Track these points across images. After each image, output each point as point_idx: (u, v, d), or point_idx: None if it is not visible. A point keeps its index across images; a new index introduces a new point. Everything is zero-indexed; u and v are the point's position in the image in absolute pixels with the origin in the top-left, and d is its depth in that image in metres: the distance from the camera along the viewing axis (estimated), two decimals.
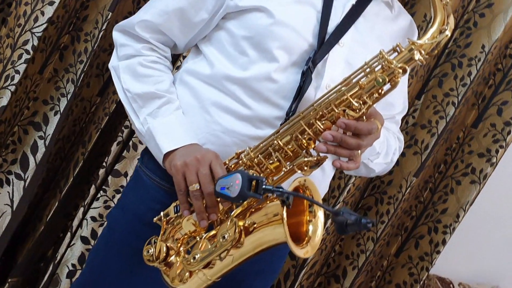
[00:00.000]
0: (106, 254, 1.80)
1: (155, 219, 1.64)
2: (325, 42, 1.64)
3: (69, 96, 2.40)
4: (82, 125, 2.59)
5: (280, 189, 1.39)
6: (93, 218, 2.51)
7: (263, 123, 1.64)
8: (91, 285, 1.83)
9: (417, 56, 1.46)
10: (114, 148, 2.49)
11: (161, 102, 1.68)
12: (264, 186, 1.41)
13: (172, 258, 1.61)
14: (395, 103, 1.85)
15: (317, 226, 1.53)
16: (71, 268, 2.52)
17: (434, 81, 2.59)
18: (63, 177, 2.56)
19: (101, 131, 2.50)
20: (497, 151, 2.59)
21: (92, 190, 2.53)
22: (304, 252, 1.48)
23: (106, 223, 1.90)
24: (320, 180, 1.77)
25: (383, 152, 1.80)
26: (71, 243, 2.53)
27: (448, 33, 1.48)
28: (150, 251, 1.61)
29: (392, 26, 1.76)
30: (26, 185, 2.42)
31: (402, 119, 2.41)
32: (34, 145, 2.41)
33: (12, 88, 2.26)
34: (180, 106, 1.71)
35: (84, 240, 2.51)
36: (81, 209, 2.54)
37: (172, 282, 1.61)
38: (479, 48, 2.50)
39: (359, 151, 1.54)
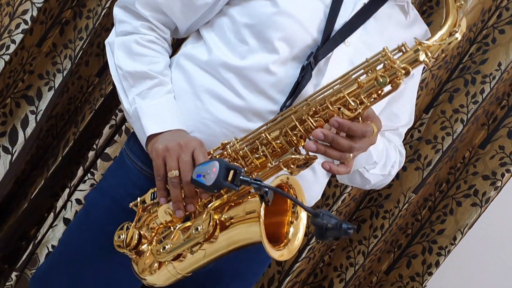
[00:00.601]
0: (80, 236, 1.75)
1: (131, 204, 1.58)
2: (330, 39, 1.57)
3: (65, 72, 2.34)
4: (77, 104, 2.54)
5: (258, 182, 1.31)
6: (78, 201, 2.43)
7: (255, 116, 1.58)
8: (61, 266, 1.77)
9: (422, 57, 1.37)
10: (106, 131, 2.42)
11: (152, 83, 1.63)
12: (241, 177, 1.33)
13: (144, 247, 1.54)
14: (400, 114, 1.78)
15: (299, 228, 1.46)
16: (50, 249, 2.45)
17: (444, 96, 2.51)
18: (53, 155, 2.51)
19: (95, 112, 2.43)
20: (503, 175, 2.51)
21: (80, 172, 2.46)
22: (279, 254, 1.41)
23: (84, 204, 1.85)
24: (311, 183, 1.70)
25: (381, 162, 1.73)
26: (54, 224, 2.46)
27: (458, 36, 1.40)
28: (121, 236, 1.55)
29: (404, 32, 1.68)
30: (13, 159, 2.37)
31: (407, 132, 2.34)
32: (25, 119, 2.36)
33: (7, 57, 2.20)
34: (173, 91, 1.65)
35: (67, 222, 2.44)
36: (67, 190, 2.47)
37: (140, 272, 1.54)
38: (495, 66, 2.42)
39: (351, 155, 1.45)
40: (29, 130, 2.34)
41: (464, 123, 2.45)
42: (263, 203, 1.35)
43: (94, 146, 2.45)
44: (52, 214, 2.48)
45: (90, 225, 1.73)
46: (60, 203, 2.47)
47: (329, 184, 2.46)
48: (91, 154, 2.44)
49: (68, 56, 2.34)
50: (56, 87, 2.35)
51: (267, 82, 1.57)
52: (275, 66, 1.57)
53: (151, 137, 1.59)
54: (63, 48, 2.35)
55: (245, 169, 1.48)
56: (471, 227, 2.55)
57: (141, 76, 1.63)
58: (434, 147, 2.49)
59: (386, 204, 2.58)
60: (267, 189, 1.32)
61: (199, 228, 1.44)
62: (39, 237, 2.48)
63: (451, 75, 2.52)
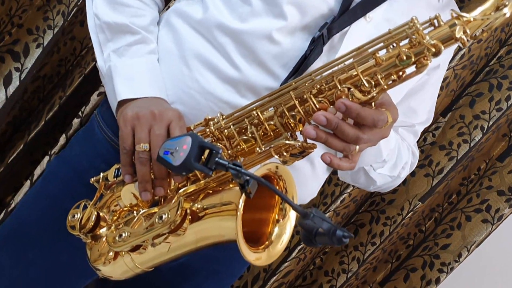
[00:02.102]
0: (33, 209, 1.55)
1: (92, 179, 1.36)
2: (349, 10, 1.34)
3: (56, 30, 2.16)
4: (68, 67, 2.37)
5: (237, 168, 1.07)
6: None
7: (250, 92, 1.35)
8: (6, 241, 1.57)
9: (459, 33, 1.11)
10: (94, 98, 2.26)
11: (133, 39, 1.41)
12: (217, 159, 1.10)
13: (102, 231, 1.33)
14: (419, 110, 1.56)
15: (284, 229, 1.23)
16: None
17: (465, 99, 2.34)
18: (36, 119, 2.36)
19: (84, 77, 2.27)
20: None
21: (62, 140, 2.31)
22: (255, 257, 1.19)
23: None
24: (307, 178, 1.48)
25: (391, 162, 1.51)
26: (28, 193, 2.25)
27: (507, 11, 1.12)
28: (76, 216, 1.33)
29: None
30: None
31: (420, 135, 2.19)
32: (8, 76, 2.18)
33: None
34: (157, 52, 1.43)
35: None
36: (47, 158, 2.33)
37: (93, 260, 1.33)
38: None
39: (357, 147, 1.21)
40: (11, 88, 2.18)
41: (484, 131, 2.29)
42: (243, 194, 1.13)
43: (80, 113, 2.29)
44: (28, 182, 2.35)
45: (46, 198, 1.53)
46: (38, 171, 2.34)
47: (329, 181, 2.32)
48: (75, 121, 2.29)
49: (61, 12, 2.16)
50: (45, 45, 2.17)
51: (268, 52, 1.34)
52: (280, 35, 1.34)
53: (122, 103, 1.38)
54: (57, 3, 2.17)
55: (229, 151, 1.25)
56: (479, 245, 2.39)
57: (121, 30, 1.41)
58: (448, 154, 2.34)
59: (389, 210, 2.42)
60: (248, 178, 1.08)
61: (163, 216, 1.21)
62: (12, 205, 2.35)
63: (476, 78, 2.35)
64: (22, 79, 2.16)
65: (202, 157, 1.12)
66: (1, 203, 2.48)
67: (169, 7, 1.86)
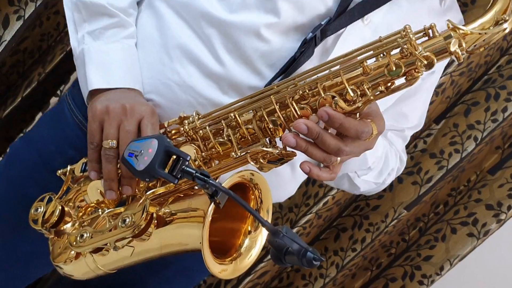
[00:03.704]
0: None
1: (59, 172, 1.29)
2: (346, 11, 1.25)
3: (38, 2, 2.05)
4: (50, 42, 2.27)
5: (205, 178, 0.99)
6: None
7: (233, 90, 1.27)
8: None
9: (454, 47, 1.04)
10: (74, 77, 2.17)
11: (110, 22, 1.31)
12: (184, 167, 1.02)
13: (67, 227, 1.25)
14: (410, 115, 1.49)
15: (255, 242, 1.17)
16: None
17: (460, 108, 2.28)
18: (13, 95, 2.27)
19: (66, 54, 2.18)
20: (509, 208, 2.29)
21: (38, 118, 2.26)
22: (220, 269, 1.12)
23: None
24: (286, 181, 1.42)
25: (376, 169, 1.45)
26: None
27: (507, 26, 1.06)
28: (39, 209, 1.25)
29: (436, 20, 1.34)
30: None
31: (410, 141, 2.14)
32: None
33: None
34: (135, 36, 1.35)
35: None
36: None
37: (54, 257, 1.25)
38: None
39: (339, 159, 1.14)
40: None
41: (477, 142, 2.24)
42: (213, 204, 1.05)
43: (59, 92, 2.23)
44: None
45: (7, 181, 1.45)
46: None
47: (312, 182, 2.26)
48: (53, 100, 2.23)
49: None
50: (26, 18, 2.06)
51: (256, 50, 1.26)
52: (271, 32, 1.25)
53: (94, 93, 1.29)
54: None
55: (203, 153, 1.17)
56: (462, 259, 2.34)
57: (97, 11, 1.31)
58: (438, 162, 2.28)
59: (373, 216, 2.36)
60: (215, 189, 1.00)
61: (127, 220, 1.13)
62: None
63: (473, 86, 2.30)
64: (0, 51, 2.06)
65: (168, 163, 1.04)
66: None
67: None
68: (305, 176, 1.48)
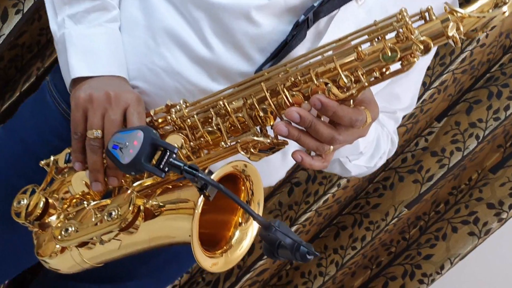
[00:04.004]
0: None
1: (42, 162, 1.23)
2: None
3: None
4: (49, 37, 2.22)
5: (194, 172, 0.95)
6: None
7: (222, 76, 1.22)
8: None
9: (451, 31, 0.99)
10: None
11: (92, 5, 1.25)
12: (171, 160, 0.97)
13: (52, 219, 1.20)
14: (402, 96, 1.45)
15: (246, 234, 1.12)
16: None
17: (462, 106, 2.26)
18: (12, 89, 2.24)
19: None
20: (511, 207, 2.27)
21: None
22: (211, 263, 1.08)
23: None
24: (277, 167, 1.39)
25: (368, 154, 1.42)
26: None
27: (506, 9, 1.01)
28: (22, 202, 1.20)
29: (431, 2, 1.30)
30: None
31: (412, 139, 2.22)
32: None
33: None
34: (119, 19, 1.28)
35: None
36: None
37: (39, 251, 1.21)
38: None
39: (332, 147, 1.10)
40: None
41: (479, 140, 2.22)
42: (202, 196, 1.01)
43: None
44: None
45: None
46: None
47: (313, 180, 2.24)
48: None
49: None
50: (24, 12, 2.02)
51: (246, 34, 1.20)
52: (261, 15, 1.19)
53: (77, 81, 1.22)
54: None
55: (191, 143, 1.12)
56: (463, 258, 2.33)
57: None
58: (439, 161, 2.26)
59: (373, 214, 2.34)
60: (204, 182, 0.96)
61: (113, 213, 1.09)
62: None
63: (475, 84, 2.27)
64: None
65: (155, 156, 1.00)
66: None
67: None
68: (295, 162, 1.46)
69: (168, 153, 0.99)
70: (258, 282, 2.41)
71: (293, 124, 1.06)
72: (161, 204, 1.09)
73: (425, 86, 2.11)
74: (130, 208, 1.07)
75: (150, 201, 1.10)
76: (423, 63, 1.44)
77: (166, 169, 0.99)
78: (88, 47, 1.23)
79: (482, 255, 2.35)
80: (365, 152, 1.40)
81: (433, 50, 1.43)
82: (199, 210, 1.02)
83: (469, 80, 2.24)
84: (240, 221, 1.12)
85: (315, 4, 1.18)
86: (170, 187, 1.11)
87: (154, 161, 1.00)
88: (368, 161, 1.44)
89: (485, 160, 2.36)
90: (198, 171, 0.96)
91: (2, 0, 2.02)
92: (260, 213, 1.11)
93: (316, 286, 2.40)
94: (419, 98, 2.13)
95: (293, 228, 2.27)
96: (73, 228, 1.13)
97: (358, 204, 2.38)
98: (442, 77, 2.11)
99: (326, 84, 1.03)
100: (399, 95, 1.43)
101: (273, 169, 1.35)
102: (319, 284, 2.39)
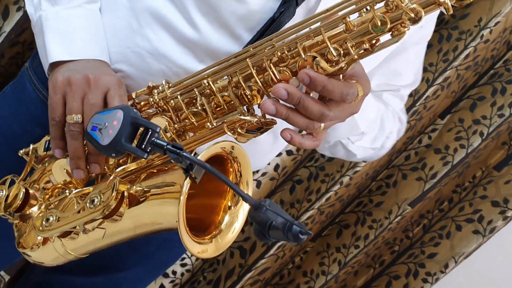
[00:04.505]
0: None
1: (21, 152, 1.18)
2: None
3: None
4: None
5: (177, 151, 0.90)
6: None
7: (210, 57, 1.16)
8: None
9: None
10: None
11: None
12: (154, 139, 0.92)
13: (33, 210, 1.16)
14: (403, 72, 1.39)
15: (236, 217, 1.08)
16: None
17: (466, 102, 2.24)
18: None
19: None
20: None
21: None
22: (201, 249, 1.02)
23: None
24: (268, 150, 1.34)
25: (371, 134, 1.36)
26: None
27: None
28: (1, 193, 1.15)
29: None
30: None
31: (415, 136, 2.19)
32: None
33: None
34: (99, 0, 1.22)
35: None
36: None
37: (19, 244, 1.16)
38: None
39: (322, 125, 1.05)
40: None
41: (483, 138, 2.20)
42: (188, 178, 0.95)
43: None
44: None
45: None
46: None
47: (315, 178, 2.23)
48: None
49: None
50: (26, 9, 2.00)
51: (233, 12, 1.15)
52: None
53: (55, 65, 1.16)
54: None
55: (176, 125, 1.06)
56: (467, 257, 2.32)
57: None
58: (443, 158, 2.25)
59: (376, 212, 2.32)
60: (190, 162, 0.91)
61: (95, 200, 1.04)
62: None
63: (479, 80, 2.25)
64: None
65: (136, 136, 0.95)
66: None
67: None
68: (287, 143, 1.42)
69: (150, 132, 0.94)
70: (260, 281, 2.39)
71: (281, 102, 1.01)
72: (145, 189, 1.04)
73: (428, 82, 2.08)
74: (113, 194, 1.02)
75: (134, 187, 1.04)
76: (420, 36, 1.39)
77: (149, 149, 0.94)
78: (66, 30, 1.17)
79: (487, 254, 2.33)
80: (368, 132, 1.35)
81: (432, 22, 1.38)
82: (185, 193, 0.96)
83: (472, 76, 2.22)
84: (229, 204, 1.07)
85: None
86: (155, 171, 1.06)
87: (135, 142, 0.95)
88: (372, 141, 1.38)
89: (489, 157, 2.34)
90: (182, 150, 0.90)
91: None
92: (250, 194, 1.05)
93: (319, 285, 2.38)
94: (422, 95, 2.11)
95: None
96: (54, 218, 1.08)
97: (361, 202, 2.37)
98: (446, 73, 2.09)
99: (314, 58, 0.98)
100: (399, 71, 1.38)
101: (263, 151, 1.31)
102: (321, 283, 2.38)
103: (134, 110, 0.98)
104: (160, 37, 1.17)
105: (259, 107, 1.03)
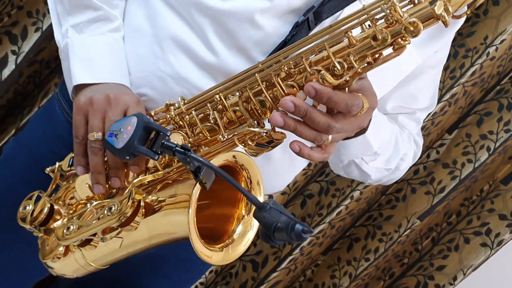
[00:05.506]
0: None
1: (47, 169, 1.22)
2: None
3: None
4: None
5: (186, 152, 0.92)
6: None
7: None
8: None
9: (439, 10, 0.97)
10: None
11: (94, 15, 1.24)
12: (164, 142, 0.96)
13: (57, 225, 1.19)
14: (419, 96, 1.39)
15: (250, 225, 1.09)
16: None
17: (473, 118, 2.23)
18: (30, 104, 2.25)
19: None
20: None
21: None
22: (210, 255, 1.04)
23: None
24: (285, 169, 1.35)
25: (385, 154, 1.35)
26: None
27: None
28: (27, 207, 1.19)
29: None
30: None
31: (423, 151, 2.04)
32: (4, 59, 2.08)
33: None
34: (122, 29, 1.27)
35: None
36: None
37: (43, 256, 1.20)
38: None
39: (330, 137, 1.06)
40: (6, 72, 2.08)
41: (490, 152, 2.20)
42: (198, 184, 0.98)
43: None
44: None
45: (2, 185, 1.39)
46: None
47: (326, 193, 2.23)
48: None
49: None
50: (44, 29, 2.08)
51: (249, 38, 1.18)
52: (264, 18, 1.17)
53: (79, 88, 1.22)
54: None
55: (190, 140, 1.10)
56: (475, 269, 2.30)
57: (81, 3, 1.24)
58: (451, 172, 2.24)
59: (386, 226, 2.31)
60: (199, 164, 0.94)
61: (113, 208, 1.07)
62: None
63: (485, 96, 2.24)
64: (18, 62, 2.08)
65: (148, 139, 0.99)
66: None
67: None
68: (305, 164, 1.42)
69: (161, 136, 0.98)
70: None
71: (289, 114, 1.03)
72: (160, 199, 1.07)
73: None
74: (129, 203, 1.05)
75: (150, 196, 1.08)
76: (435, 60, 1.39)
77: (159, 151, 0.98)
78: (89, 55, 1.22)
79: (494, 266, 2.32)
80: (381, 153, 1.34)
81: (447, 46, 1.36)
82: (195, 197, 0.99)
83: (479, 92, 2.21)
84: (243, 213, 1.10)
85: (315, 5, 1.16)
86: (170, 182, 1.09)
87: (147, 144, 0.99)
88: (386, 162, 1.38)
89: (496, 171, 2.32)
90: (190, 151, 0.94)
91: (22, 19, 2.06)
92: (262, 192, 1.09)
93: None
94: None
95: (306, 241, 2.23)
96: (74, 226, 1.11)
97: (371, 216, 2.36)
98: (453, 90, 2.09)
99: (318, 71, 1.01)
100: (415, 94, 1.38)
101: (280, 171, 1.32)
102: None
103: (148, 116, 1.03)
104: (181, 62, 1.21)
105: (269, 121, 1.05)
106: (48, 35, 2.08)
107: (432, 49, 1.30)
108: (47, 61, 2.21)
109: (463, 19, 1.31)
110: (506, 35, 2.03)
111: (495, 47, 2.04)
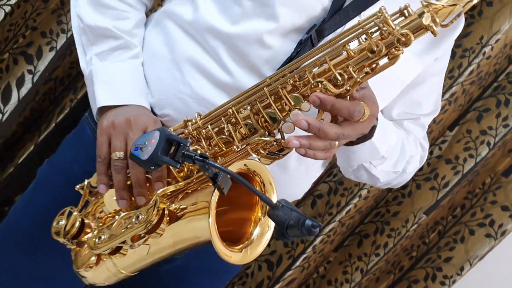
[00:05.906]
0: (25, 215, 1.47)
1: (77, 186, 1.30)
2: (341, 10, 1.24)
3: (69, 33, 2.10)
4: (79, 69, 2.20)
5: (204, 159, 1.01)
6: None
7: None
8: (0, 246, 1.49)
9: (426, 21, 1.05)
10: None
11: (115, 44, 1.33)
12: (184, 152, 1.04)
13: (88, 237, 1.28)
14: (423, 102, 1.45)
15: (268, 226, 1.17)
16: None
17: (472, 114, 2.27)
18: (47, 121, 2.29)
19: None
20: None
21: None
22: (230, 255, 1.12)
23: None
24: (301, 177, 1.41)
25: (392, 158, 1.40)
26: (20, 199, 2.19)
27: None
28: (60, 222, 1.28)
29: None
30: (4, 119, 2.13)
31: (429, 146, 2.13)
32: (21, 78, 2.12)
33: (7, 8, 1.97)
34: (141, 55, 1.35)
35: None
36: None
37: (77, 266, 1.28)
38: None
39: (337, 142, 1.15)
40: (24, 91, 2.12)
41: (490, 147, 2.23)
42: (216, 190, 1.07)
43: None
44: None
45: (37, 206, 1.45)
46: None
47: (334, 192, 2.27)
48: None
49: None
50: (58, 48, 2.12)
51: (260, 56, 1.26)
52: (272, 38, 1.25)
53: (102, 110, 1.30)
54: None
55: (208, 152, 1.18)
56: (481, 259, 2.33)
57: (103, 34, 1.32)
58: (454, 168, 2.27)
59: (393, 221, 2.34)
60: (217, 171, 1.02)
61: (140, 217, 1.15)
62: None
63: (483, 93, 2.28)
64: (34, 81, 2.12)
65: (170, 150, 1.07)
66: (10, 201, 2.40)
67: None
68: (321, 171, 1.48)
69: (181, 146, 1.06)
70: None
71: (300, 133, 1.11)
72: (182, 206, 1.15)
73: None
74: (155, 211, 1.13)
75: (173, 205, 1.15)
76: (437, 68, 1.44)
77: (181, 160, 1.06)
78: (111, 80, 1.31)
79: (499, 255, 2.34)
80: (389, 157, 1.39)
81: (444, 54, 1.42)
82: (214, 202, 1.07)
83: (477, 90, 2.25)
84: (260, 216, 1.17)
85: (317, 23, 1.24)
86: (190, 192, 1.17)
87: (170, 155, 1.07)
88: (394, 165, 1.42)
89: (497, 165, 2.35)
90: (208, 159, 1.02)
91: (36, 39, 2.10)
92: (274, 190, 1.16)
93: None
94: None
95: (318, 239, 2.29)
96: (105, 236, 1.20)
97: (379, 213, 2.39)
98: (452, 89, 2.13)
99: (321, 82, 1.09)
100: (419, 101, 1.44)
101: (298, 181, 1.39)
102: None
103: (169, 130, 1.11)
104: (199, 83, 1.29)
105: (278, 131, 1.13)
106: (62, 53, 2.13)
107: (431, 57, 1.36)
108: (61, 78, 2.26)
109: (461, 28, 1.39)
110: (500, 35, 2.08)
111: (490, 46, 2.09)
